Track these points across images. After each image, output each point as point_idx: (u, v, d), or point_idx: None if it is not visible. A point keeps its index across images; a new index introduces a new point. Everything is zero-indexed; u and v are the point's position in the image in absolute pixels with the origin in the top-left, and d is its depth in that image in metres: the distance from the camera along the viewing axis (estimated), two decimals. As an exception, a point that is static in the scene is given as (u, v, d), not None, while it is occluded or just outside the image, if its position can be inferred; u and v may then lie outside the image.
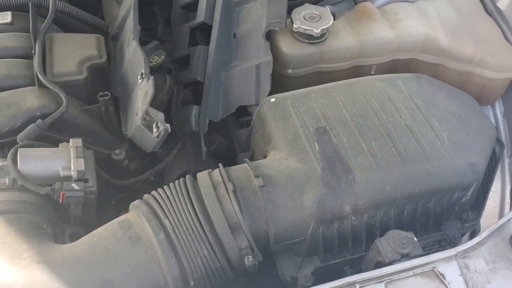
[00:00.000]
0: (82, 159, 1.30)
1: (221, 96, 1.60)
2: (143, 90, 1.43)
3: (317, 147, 1.30)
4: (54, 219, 1.32)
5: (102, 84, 1.59)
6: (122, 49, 1.63)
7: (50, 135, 1.42)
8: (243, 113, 1.68)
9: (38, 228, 1.25)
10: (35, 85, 1.44)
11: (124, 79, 1.57)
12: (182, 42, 1.73)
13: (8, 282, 1.12)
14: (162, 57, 1.60)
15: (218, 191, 1.23)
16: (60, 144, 1.35)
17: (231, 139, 1.71)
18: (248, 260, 1.20)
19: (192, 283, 1.19)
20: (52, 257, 1.16)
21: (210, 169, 1.31)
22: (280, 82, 1.65)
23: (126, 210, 1.34)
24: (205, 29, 1.72)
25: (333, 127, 1.35)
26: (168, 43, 1.91)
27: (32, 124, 1.35)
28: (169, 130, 1.35)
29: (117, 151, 1.56)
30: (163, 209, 1.21)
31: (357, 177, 1.26)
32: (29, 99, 1.40)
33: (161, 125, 1.35)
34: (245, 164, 1.32)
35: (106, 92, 1.51)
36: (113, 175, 1.55)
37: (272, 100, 1.43)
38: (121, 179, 1.58)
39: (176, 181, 1.28)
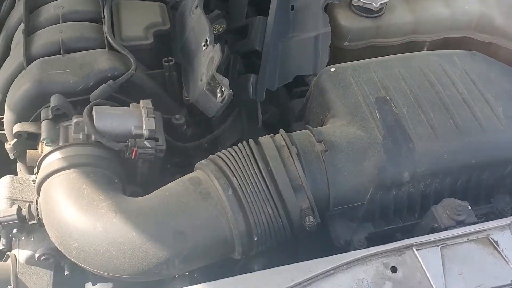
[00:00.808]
0: (153, 119, 1.36)
1: (279, 65, 1.64)
2: (207, 56, 1.49)
3: (378, 115, 1.35)
4: (123, 175, 1.39)
5: (164, 51, 1.64)
6: (183, 18, 1.69)
7: (118, 96, 1.48)
8: (295, 85, 1.73)
9: (111, 181, 1.32)
10: (105, 48, 1.51)
11: (186, 47, 1.63)
12: (239, 13, 1.78)
13: (87, 228, 1.20)
14: (224, 26, 1.65)
15: (282, 154, 1.29)
16: (131, 104, 1.41)
17: (284, 109, 1.76)
18: (309, 220, 1.26)
19: (255, 239, 1.25)
20: (128, 207, 1.23)
21: (272, 134, 1.36)
22: (335, 55, 1.69)
23: (180, 174, 1.40)
24: (262, 0, 1.76)
25: (393, 98, 1.39)
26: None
27: (104, 84, 1.42)
28: (233, 95, 1.41)
29: (177, 116, 1.62)
30: (230, 168, 1.27)
31: (416, 146, 1.31)
32: (101, 60, 1.46)
33: (226, 90, 1.40)
34: (306, 130, 1.37)
35: (170, 58, 1.57)
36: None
37: (332, 69, 1.47)
38: (178, 144, 1.65)
39: (240, 144, 1.34)
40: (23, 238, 1.40)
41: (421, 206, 1.37)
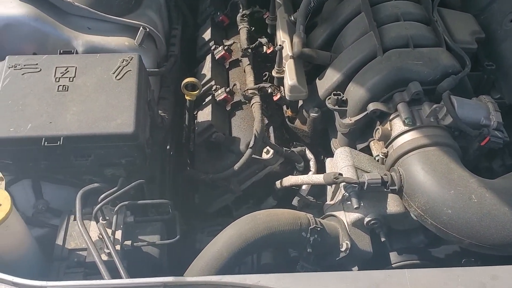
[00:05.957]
0: (499, 112, 1.53)
1: None
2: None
3: None
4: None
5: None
6: (488, 29, 1.86)
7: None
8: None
9: (461, 161, 1.50)
10: (440, 47, 1.70)
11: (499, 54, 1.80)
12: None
13: (463, 198, 1.37)
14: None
15: None
16: (473, 98, 1.59)
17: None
18: None
19: None
20: (493, 186, 1.40)
21: None
22: None
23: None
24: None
25: None
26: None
27: (449, 78, 1.60)
28: None
29: None
30: None
31: None
32: (443, 57, 1.65)
33: None
34: None
35: (491, 63, 1.74)
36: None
37: None
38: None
39: None
40: (348, 202, 1.61)
41: None
